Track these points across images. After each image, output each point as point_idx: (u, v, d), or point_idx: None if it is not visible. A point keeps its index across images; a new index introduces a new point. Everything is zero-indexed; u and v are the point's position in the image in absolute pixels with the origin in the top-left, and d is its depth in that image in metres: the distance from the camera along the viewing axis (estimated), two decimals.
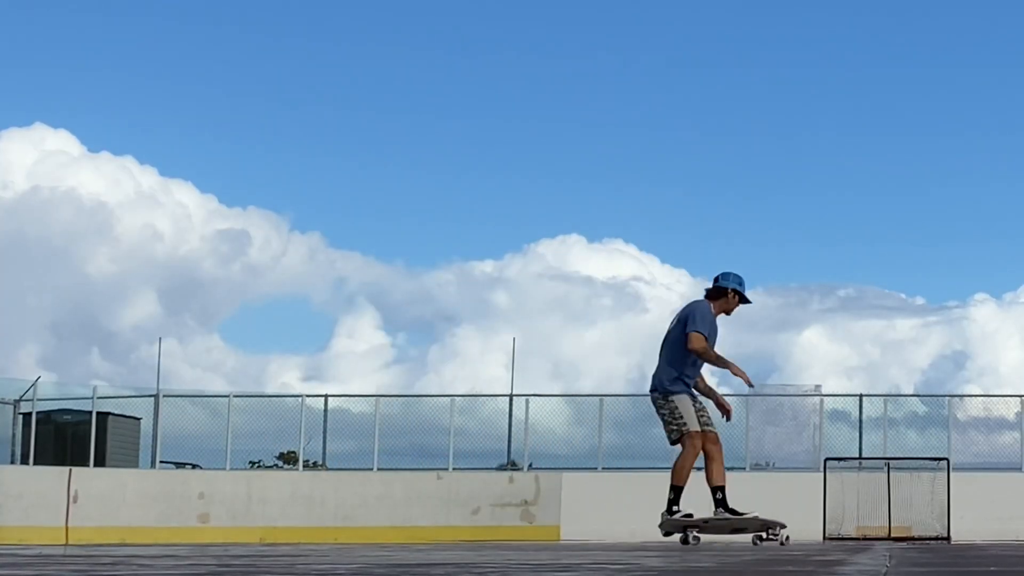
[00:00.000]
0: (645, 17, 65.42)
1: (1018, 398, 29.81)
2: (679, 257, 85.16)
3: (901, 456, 27.91)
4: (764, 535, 16.60)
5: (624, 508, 28.17)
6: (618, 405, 31.02)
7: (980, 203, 67.22)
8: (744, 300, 15.88)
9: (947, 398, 30.11)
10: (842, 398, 30.61)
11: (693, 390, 15.75)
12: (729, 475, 28.93)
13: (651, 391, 15.75)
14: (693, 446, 15.99)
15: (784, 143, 68.51)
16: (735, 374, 15.49)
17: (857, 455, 28.73)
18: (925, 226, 68.17)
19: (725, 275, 15.71)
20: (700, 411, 15.80)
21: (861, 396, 30.11)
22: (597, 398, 30.47)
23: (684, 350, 15.41)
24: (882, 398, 30.17)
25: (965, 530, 26.73)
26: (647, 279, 61.43)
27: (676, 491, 16.23)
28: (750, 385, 15.82)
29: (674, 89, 67.29)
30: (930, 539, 25.88)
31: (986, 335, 59.13)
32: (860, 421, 29.68)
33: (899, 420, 30.38)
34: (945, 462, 27.36)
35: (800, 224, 69.53)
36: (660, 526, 16.31)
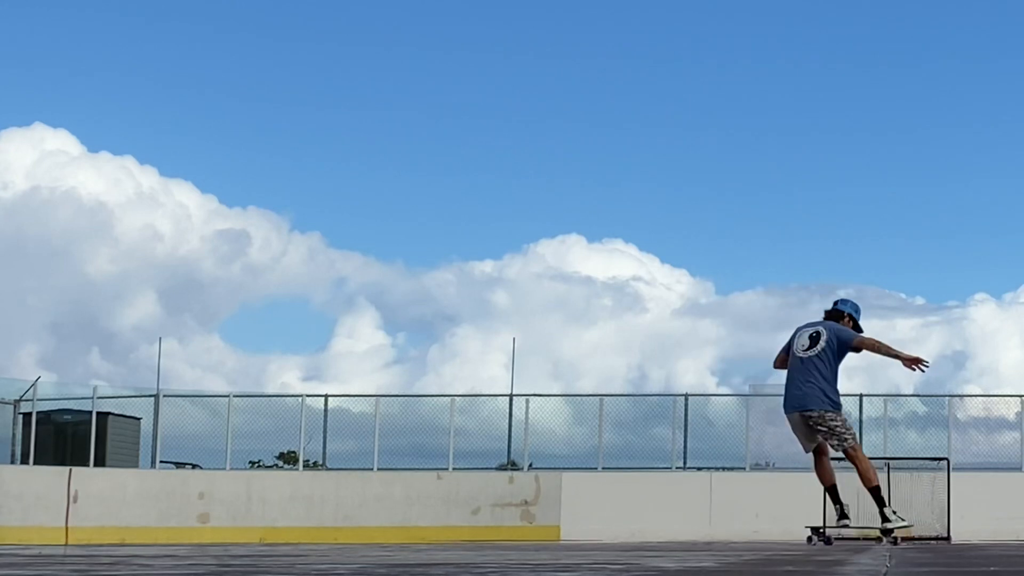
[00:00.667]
0: (645, 17, 65.42)
1: (1018, 398, 29.79)
2: (679, 257, 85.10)
3: (901, 456, 27.88)
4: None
5: (624, 508, 28.15)
6: (618, 405, 31.01)
7: (980, 202, 67.18)
8: (857, 327, 16.30)
9: (947, 398, 30.08)
10: (843, 398, 30.54)
11: None
12: (729, 475, 29.09)
13: (815, 409, 16.07)
14: (863, 457, 16.26)
15: (784, 142, 68.50)
16: (908, 361, 15.88)
17: None
18: (925, 225, 68.14)
19: (844, 301, 16.50)
20: None
21: (861, 396, 30.09)
22: (597, 398, 30.42)
23: (837, 367, 16.20)
24: (882, 398, 30.14)
25: (965, 530, 26.71)
26: (647, 279, 61.43)
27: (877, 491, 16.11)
28: (924, 367, 15.74)
29: (674, 89, 67.28)
30: (930, 539, 25.87)
31: (986, 335, 59.10)
32: (860, 421, 29.68)
33: (899, 420, 30.39)
34: (945, 462, 27.35)
35: (800, 224, 69.47)
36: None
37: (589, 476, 29.15)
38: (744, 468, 29.52)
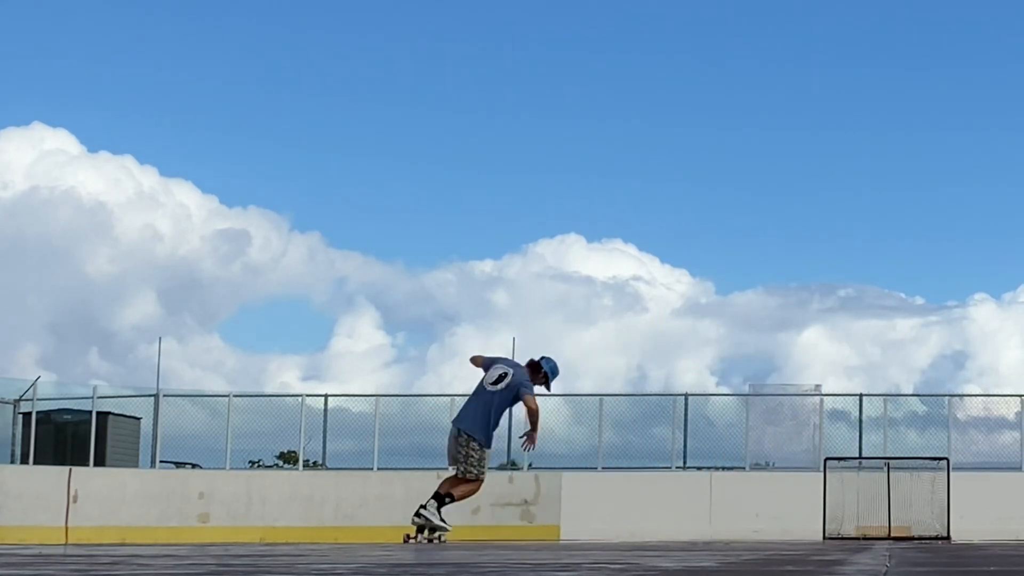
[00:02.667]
0: (644, 15, 65.42)
1: (1018, 398, 29.80)
2: (679, 257, 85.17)
3: (901, 456, 27.92)
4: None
5: (624, 508, 28.17)
6: (618, 405, 31.03)
7: (980, 203, 67.26)
8: (547, 385, 18.86)
9: (947, 398, 30.09)
10: (842, 398, 30.59)
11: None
12: (729, 475, 29.10)
13: (467, 432, 18.48)
14: (473, 489, 18.75)
15: (784, 142, 68.54)
16: (529, 437, 18.69)
17: (857, 455, 28.74)
18: (925, 226, 68.22)
19: (547, 359, 18.76)
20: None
21: (861, 396, 30.10)
22: (597, 398, 30.45)
23: (504, 409, 18.77)
24: (882, 398, 30.14)
25: (965, 530, 26.74)
26: (647, 279, 61.47)
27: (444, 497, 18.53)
28: (531, 447, 18.87)
29: (674, 88, 67.30)
30: (930, 539, 25.91)
31: (986, 335, 59.19)
32: (860, 421, 29.68)
33: (899, 420, 30.39)
34: (945, 462, 27.39)
35: (800, 224, 69.56)
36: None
37: (589, 476, 29.16)
38: (744, 468, 29.54)
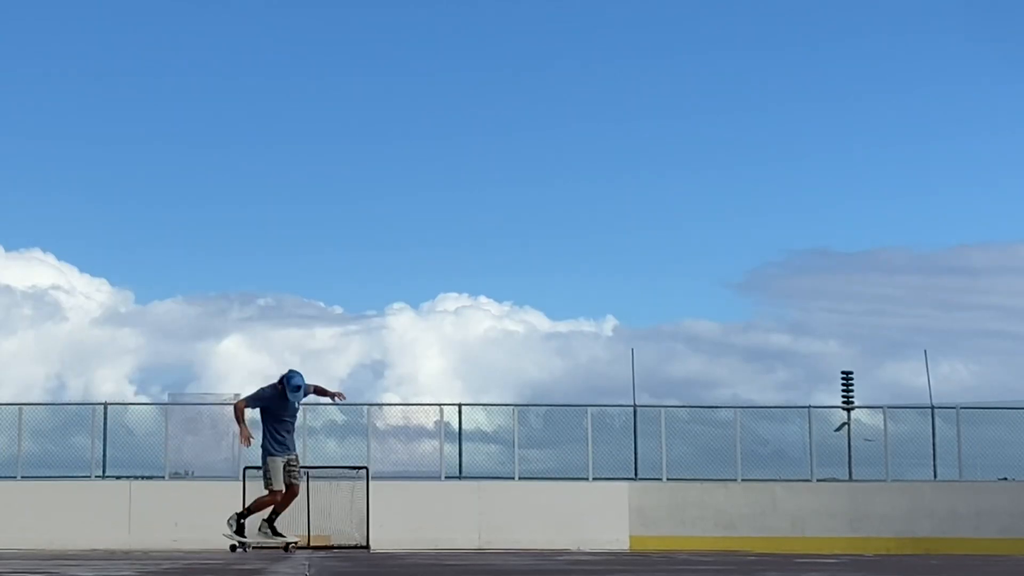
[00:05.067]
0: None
1: (437, 407, 30.62)
2: (98, 266, 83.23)
3: (321, 465, 28.17)
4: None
5: (42, 517, 27.56)
6: (36, 414, 30.41)
7: (389, 212, 68.71)
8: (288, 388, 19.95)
9: (366, 407, 30.59)
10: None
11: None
12: (148, 484, 28.75)
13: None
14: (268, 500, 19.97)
15: (214, 157, 68.35)
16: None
17: None
18: (343, 235, 69.37)
19: (291, 371, 20.15)
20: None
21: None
22: (16, 407, 29.71)
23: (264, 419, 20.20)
24: (301, 407, 30.34)
25: (386, 539, 27.26)
26: (66, 288, 60.24)
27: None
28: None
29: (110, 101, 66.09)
30: (350, 548, 26.23)
31: (404, 344, 60.57)
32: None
33: (319, 429, 30.70)
34: (364, 471, 27.80)
35: (222, 233, 69.51)
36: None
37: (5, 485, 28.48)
38: (164, 477, 29.30)
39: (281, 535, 19.99)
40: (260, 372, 59.45)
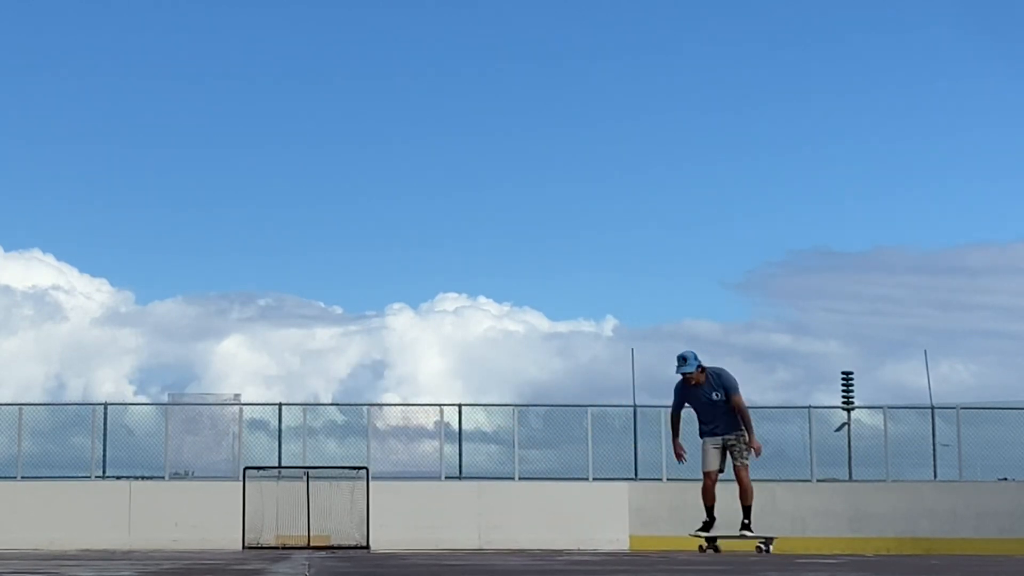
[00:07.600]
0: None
1: (436, 407, 30.63)
2: (99, 267, 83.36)
3: (321, 465, 28.19)
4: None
5: (42, 517, 27.54)
6: (35, 414, 30.39)
7: (399, 215, 68.74)
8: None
9: (366, 407, 30.60)
10: (261, 407, 30.76)
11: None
12: (148, 484, 28.75)
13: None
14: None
15: (213, 157, 68.35)
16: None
17: (276, 464, 28.87)
18: (342, 236, 69.36)
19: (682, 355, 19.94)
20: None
21: (280, 405, 30.29)
22: (16, 407, 29.71)
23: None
24: (301, 407, 30.42)
25: (385, 539, 27.27)
26: (66, 288, 60.28)
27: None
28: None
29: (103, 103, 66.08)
30: (349, 548, 26.24)
31: (404, 344, 60.65)
32: (280, 430, 29.85)
33: (319, 429, 30.71)
34: (364, 471, 27.82)
35: (222, 233, 69.53)
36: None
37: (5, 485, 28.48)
38: (164, 477, 29.31)
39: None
40: (260, 372, 59.52)
